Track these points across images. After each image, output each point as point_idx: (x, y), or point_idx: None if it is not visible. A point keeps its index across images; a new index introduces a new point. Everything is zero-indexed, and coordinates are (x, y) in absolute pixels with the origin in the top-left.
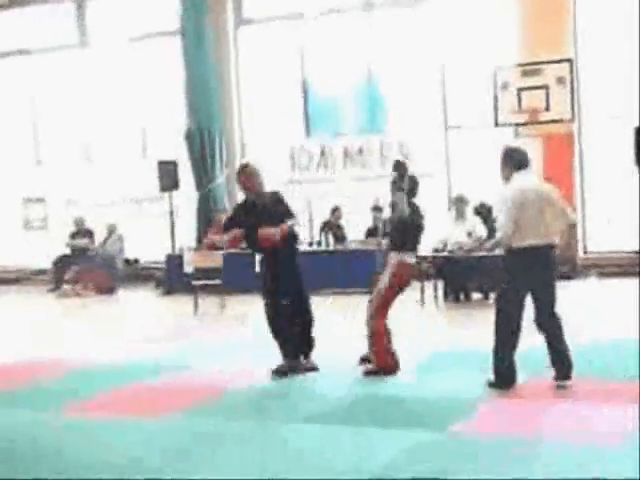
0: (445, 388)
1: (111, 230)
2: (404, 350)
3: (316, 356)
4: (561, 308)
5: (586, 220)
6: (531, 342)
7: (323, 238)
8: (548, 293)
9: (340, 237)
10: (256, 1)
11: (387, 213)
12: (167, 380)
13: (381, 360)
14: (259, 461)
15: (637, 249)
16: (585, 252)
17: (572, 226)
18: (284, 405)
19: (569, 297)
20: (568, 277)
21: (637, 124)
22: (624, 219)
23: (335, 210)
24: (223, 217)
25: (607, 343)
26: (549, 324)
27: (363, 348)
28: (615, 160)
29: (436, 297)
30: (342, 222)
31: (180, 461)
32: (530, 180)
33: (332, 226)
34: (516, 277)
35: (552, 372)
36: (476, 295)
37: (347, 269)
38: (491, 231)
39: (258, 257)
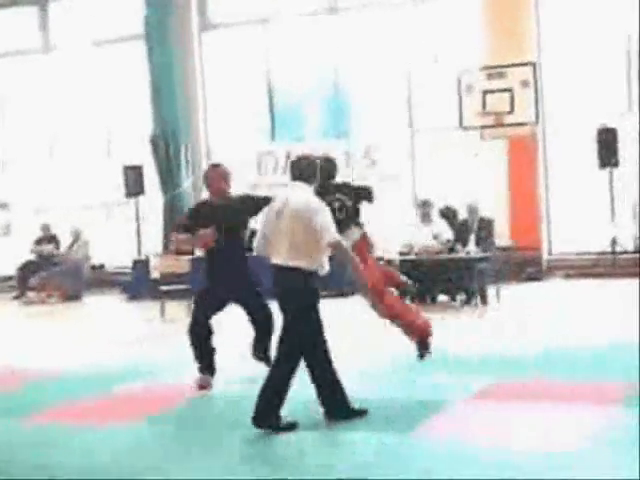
0: (410, 390)
1: (76, 236)
2: (369, 354)
3: None
4: (528, 309)
5: (551, 221)
6: (498, 346)
7: None
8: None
9: None
10: (221, 5)
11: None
12: (134, 386)
13: (416, 329)
14: (228, 466)
15: (607, 250)
16: (550, 254)
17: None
18: (245, 411)
19: (535, 298)
20: (534, 278)
21: (600, 126)
22: (589, 220)
23: None
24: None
25: (574, 344)
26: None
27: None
28: (579, 161)
29: (402, 299)
30: None
31: (148, 467)
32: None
33: None
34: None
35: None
36: (442, 297)
37: None
38: (457, 233)
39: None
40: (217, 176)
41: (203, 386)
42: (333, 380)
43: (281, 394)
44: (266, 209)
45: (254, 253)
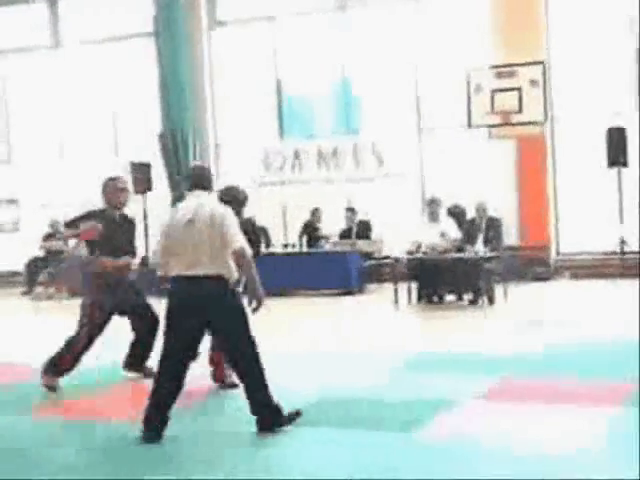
0: (415, 390)
1: None
2: (376, 352)
3: (288, 355)
4: (535, 309)
5: (559, 221)
6: (504, 346)
7: (301, 240)
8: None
9: (316, 238)
10: (230, 3)
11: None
12: (121, 385)
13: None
14: (220, 462)
15: (615, 250)
16: (558, 253)
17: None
18: (244, 406)
19: (543, 298)
20: (542, 278)
21: (609, 125)
22: (597, 220)
23: (315, 211)
24: None
25: (582, 344)
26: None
27: (332, 347)
28: (587, 161)
29: (410, 299)
30: (319, 224)
31: (147, 465)
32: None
33: (311, 227)
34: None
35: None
36: (449, 297)
37: (321, 270)
38: (465, 232)
39: None
40: (114, 189)
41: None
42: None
43: (267, 390)
44: (166, 221)
45: (153, 267)
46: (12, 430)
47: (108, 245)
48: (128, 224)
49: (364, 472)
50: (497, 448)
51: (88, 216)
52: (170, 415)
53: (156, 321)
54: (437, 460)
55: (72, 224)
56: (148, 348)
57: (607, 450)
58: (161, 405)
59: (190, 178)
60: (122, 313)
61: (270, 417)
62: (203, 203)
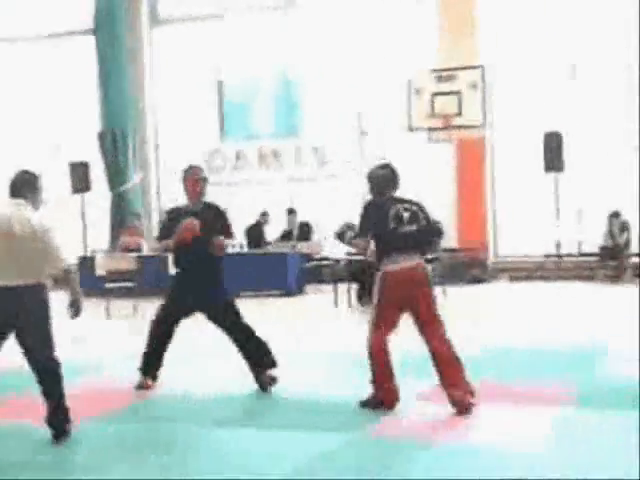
0: (360, 390)
1: None
2: (320, 352)
3: (234, 360)
4: (473, 310)
5: (497, 224)
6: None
7: (247, 241)
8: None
9: (258, 239)
10: (171, 1)
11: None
12: (77, 384)
13: (379, 389)
14: (173, 465)
15: (551, 252)
16: (496, 256)
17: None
18: (197, 409)
19: (480, 300)
20: (479, 280)
21: (546, 130)
22: (534, 223)
23: (264, 214)
24: (136, 223)
25: (519, 346)
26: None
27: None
28: (525, 165)
29: (350, 300)
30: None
31: (95, 466)
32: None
33: (257, 230)
34: None
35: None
36: None
37: (261, 272)
38: None
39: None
40: (192, 181)
41: (141, 386)
42: None
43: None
44: None
45: None
46: None
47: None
48: (209, 212)
49: (355, 472)
50: (442, 447)
51: (171, 219)
52: None
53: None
54: (382, 459)
55: (164, 234)
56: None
57: (553, 450)
58: None
59: (12, 184)
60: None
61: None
62: (23, 214)
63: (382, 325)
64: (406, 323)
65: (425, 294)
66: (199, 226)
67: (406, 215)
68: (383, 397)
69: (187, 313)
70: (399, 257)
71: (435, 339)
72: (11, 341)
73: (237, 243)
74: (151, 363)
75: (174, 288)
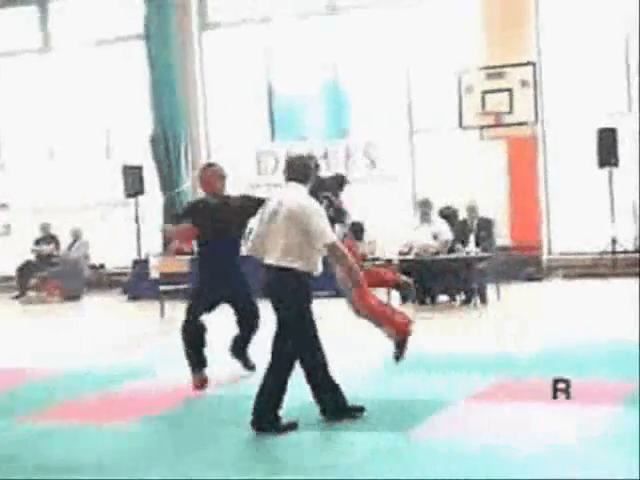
0: (410, 390)
1: (76, 235)
2: (368, 352)
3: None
4: (527, 309)
5: (551, 221)
6: (497, 346)
7: None
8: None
9: None
10: (221, 5)
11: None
12: (132, 387)
13: (395, 326)
14: (226, 467)
15: (606, 249)
16: (550, 253)
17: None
18: (245, 410)
19: (535, 298)
20: (534, 278)
21: (600, 126)
22: (588, 220)
23: None
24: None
25: (574, 344)
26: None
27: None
28: (578, 161)
29: (402, 300)
30: None
31: (145, 467)
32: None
33: None
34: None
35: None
36: (442, 297)
37: None
38: (457, 233)
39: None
40: (212, 175)
41: (198, 385)
42: (328, 380)
43: (279, 395)
44: (260, 210)
45: (247, 253)
46: (7, 434)
47: (207, 232)
48: (229, 208)
49: (359, 472)
50: (491, 448)
51: (192, 210)
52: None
53: (257, 315)
54: (433, 460)
55: (179, 221)
56: (246, 341)
57: (605, 449)
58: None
59: (287, 169)
60: (228, 302)
61: (268, 419)
62: (289, 196)
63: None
64: (452, 322)
65: None
66: (213, 225)
67: None
68: (398, 331)
69: (213, 305)
70: None
71: None
72: (55, 345)
73: None
74: (195, 361)
75: (198, 285)
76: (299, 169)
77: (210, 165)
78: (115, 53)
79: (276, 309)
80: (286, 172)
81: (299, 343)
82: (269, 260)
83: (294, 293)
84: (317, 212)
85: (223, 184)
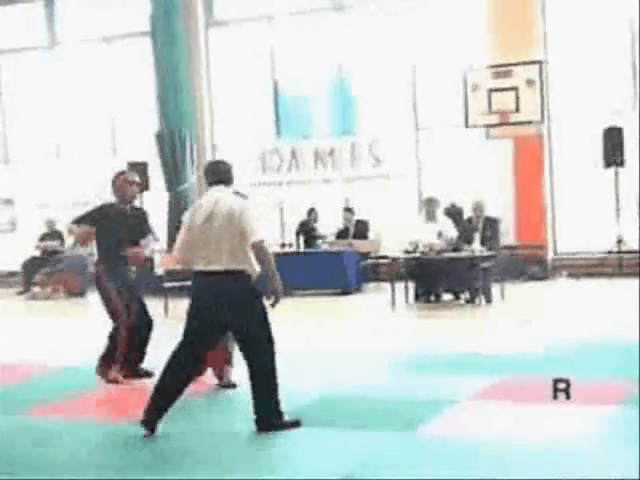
0: (415, 389)
1: None
2: (375, 351)
3: (288, 354)
4: (532, 308)
5: (556, 221)
6: (501, 345)
7: (298, 239)
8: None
9: (313, 238)
10: (227, 3)
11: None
12: (135, 384)
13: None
14: (224, 466)
15: (612, 249)
16: (555, 253)
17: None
18: (245, 409)
19: (540, 297)
20: (539, 277)
21: (606, 125)
22: (594, 219)
23: (311, 211)
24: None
25: (578, 343)
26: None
27: (332, 347)
28: (584, 160)
29: (407, 298)
30: (315, 224)
31: (145, 466)
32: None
33: (308, 227)
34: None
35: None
36: (446, 296)
37: (319, 270)
38: (462, 232)
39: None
40: (123, 182)
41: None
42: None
43: (276, 392)
44: (187, 216)
45: (176, 264)
46: (10, 430)
47: (116, 238)
48: (138, 216)
49: (360, 472)
50: (493, 448)
51: (97, 211)
52: (167, 412)
53: (150, 322)
54: (440, 459)
55: (81, 221)
56: (142, 349)
57: (605, 449)
58: (163, 401)
59: (211, 174)
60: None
61: (271, 418)
62: (224, 198)
63: None
64: (457, 321)
65: None
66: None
67: None
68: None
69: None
70: None
71: None
72: (59, 341)
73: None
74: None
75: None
76: (224, 172)
77: (122, 173)
78: (121, 50)
79: (235, 316)
80: (210, 176)
81: (271, 338)
82: (213, 266)
83: (252, 294)
84: (250, 211)
85: (134, 190)
